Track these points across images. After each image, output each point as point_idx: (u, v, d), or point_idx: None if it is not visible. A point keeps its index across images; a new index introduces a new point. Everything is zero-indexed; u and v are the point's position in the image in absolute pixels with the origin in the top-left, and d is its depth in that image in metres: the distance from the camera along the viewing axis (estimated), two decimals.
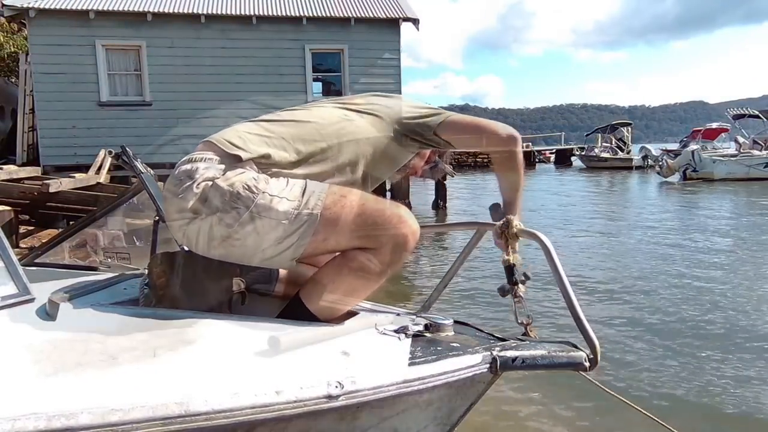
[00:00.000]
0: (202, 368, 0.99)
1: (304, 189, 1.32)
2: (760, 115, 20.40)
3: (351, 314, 1.45)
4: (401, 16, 12.42)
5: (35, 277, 1.47)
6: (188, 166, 1.36)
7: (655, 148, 27.30)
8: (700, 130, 26.00)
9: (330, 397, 0.94)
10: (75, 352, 1.04)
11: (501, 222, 1.51)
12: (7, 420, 0.75)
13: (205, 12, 11.44)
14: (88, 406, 0.80)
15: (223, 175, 1.32)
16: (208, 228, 1.30)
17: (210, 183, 1.31)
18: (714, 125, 26.28)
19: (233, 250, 1.30)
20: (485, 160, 34.00)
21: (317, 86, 12.95)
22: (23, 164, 10.77)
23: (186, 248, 1.40)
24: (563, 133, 49.98)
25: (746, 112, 20.77)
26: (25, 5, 10.54)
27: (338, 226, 1.29)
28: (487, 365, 1.14)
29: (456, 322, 1.35)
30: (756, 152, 18.85)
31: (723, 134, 24.90)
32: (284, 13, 11.93)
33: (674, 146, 29.02)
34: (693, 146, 21.53)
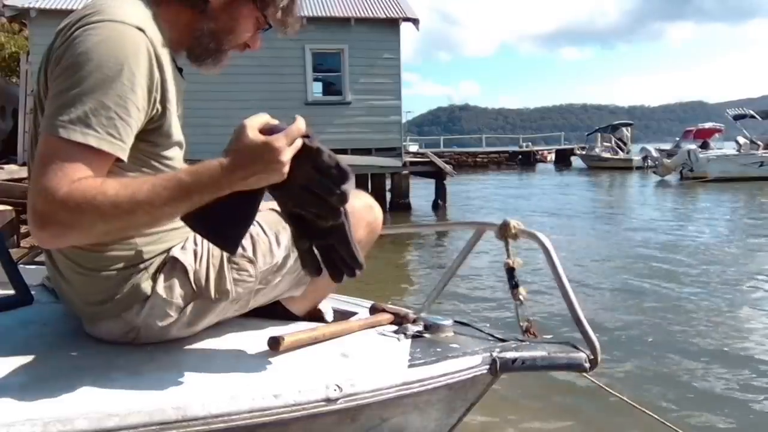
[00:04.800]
0: (199, 371, 0.99)
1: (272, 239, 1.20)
2: (756, 115, 20.46)
3: (350, 315, 1.45)
4: (401, 16, 12.42)
5: (35, 276, 1.47)
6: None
7: (653, 148, 27.33)
8: (692, 130, 26.01)
9: (329, 400, 0.93)
10: (72, 355, 1.03)
11: (500, 223, 1.50)
12: (1, 426, 0.74)
13: None
14: (84, 411, 0.79)
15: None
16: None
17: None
18: (707, 125, 26.27)
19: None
20: (485, 160, 34.03)
21: (317, 86, 12.95)
22: (24, 164, 10.77)
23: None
24: (563, 133, 50.02)
25: (746, 112, 20.79)
26: (26, 5, 10.55)
27: None
28: (487, 367, 1.14)
29: (456, 322, 1.35)
30: (753, 152, 18.93)
31: (717, 134, 24.89)
32: None
33: (667, 146, 29.06)
34: (690, 146, 21.54)
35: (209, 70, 1.16)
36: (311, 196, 0.95)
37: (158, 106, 1.00)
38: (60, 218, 0.85)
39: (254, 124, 0.90)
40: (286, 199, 0.97)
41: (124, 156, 0.93)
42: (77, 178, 0.86)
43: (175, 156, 1.10)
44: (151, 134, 1.02)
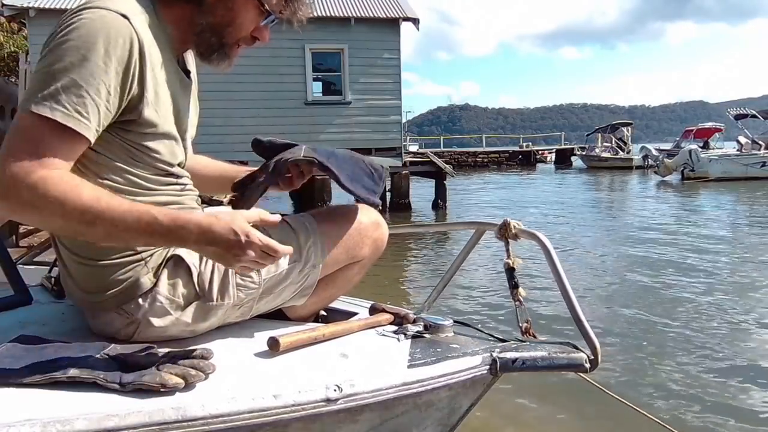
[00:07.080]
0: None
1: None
2: (758, 114, 20.46)
3: (350, 315, 1.45)
4: (401, 16, 12.42)
5: (34, 276, 1.47)
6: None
7: (653, 148, 27.31)
8: (692, 130, 25.99)
9: (328, 401, 0.93)
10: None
11: (500, 223, 1.50)
12: (1, 426, 0.74)
13: None
14: (83, 411, 0.79)
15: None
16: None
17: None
18: (708, 125, 26.25)
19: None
20: (485, 160, 34.04)
21: (317, 86, 12.94)
22: None
23: None
24: (563, 132, 50.08)
25: (747, 112, 20.79)
26: (25, 5, 10.55)
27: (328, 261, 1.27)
28: (487, 367, 1.13)
29: (456, 322, 1.35)
30: (755, 152, 18.93)
31: (717, 134, 24.86)
32: None
33: (668, 146, 29.07)
34: (691, 145, 21.53)
35: (219, 66, 1.16)
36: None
37: (134, 93, 1.00)
38: (23, 197, 0.87)
39: (248, 217, 1.00)
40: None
41: (90, 135, 0.94)
42: (50, 164, 0.89)
43: (164, 150, 1.09)
44: (131, 123, 1.03)
